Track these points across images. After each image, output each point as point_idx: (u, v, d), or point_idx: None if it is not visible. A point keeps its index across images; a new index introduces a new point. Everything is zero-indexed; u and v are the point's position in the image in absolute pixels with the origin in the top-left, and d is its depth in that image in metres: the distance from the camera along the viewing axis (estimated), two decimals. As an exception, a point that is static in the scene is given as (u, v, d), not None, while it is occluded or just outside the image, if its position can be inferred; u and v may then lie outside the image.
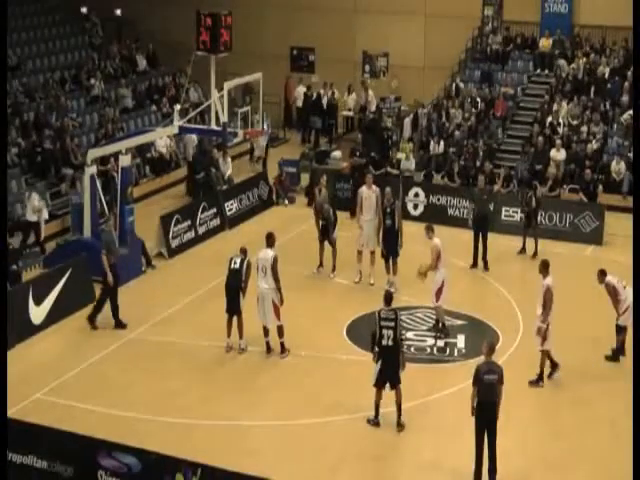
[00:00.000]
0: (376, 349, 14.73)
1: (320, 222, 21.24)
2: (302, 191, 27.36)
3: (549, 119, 28.36)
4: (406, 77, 31.78)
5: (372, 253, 20.65)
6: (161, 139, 27.10)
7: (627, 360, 16.82)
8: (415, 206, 25.36)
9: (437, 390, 16.24)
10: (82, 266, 19.53)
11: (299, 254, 21.73)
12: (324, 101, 32.99)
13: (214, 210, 24.38)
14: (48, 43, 32.19)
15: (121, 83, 31.09)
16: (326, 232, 21.19)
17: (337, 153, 28.92)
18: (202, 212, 23.93)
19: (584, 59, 29.96)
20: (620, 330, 17.04)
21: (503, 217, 24.22)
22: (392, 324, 14.63)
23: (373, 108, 31.42)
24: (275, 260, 17.03)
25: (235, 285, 17.30)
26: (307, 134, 33.17)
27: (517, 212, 23.77)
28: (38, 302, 18.40)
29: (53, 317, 18.63)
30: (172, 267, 22.11)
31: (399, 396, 14.81)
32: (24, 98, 28.21)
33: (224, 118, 21.65)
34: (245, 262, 17.41)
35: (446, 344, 18.03)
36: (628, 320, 16.70)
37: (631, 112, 27.15)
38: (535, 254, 22.19)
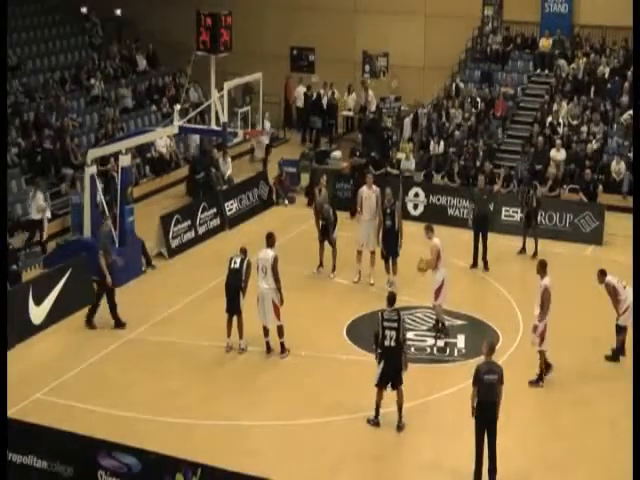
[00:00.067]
0: (378, 350, 14.71)
1: (320, 222, 21.23)
2: (302, 191, 27.35)
3: (549, 119, 28.34)
4: (406, 77, 31.76)
5: (372, 253, 20.64)
6: (161, 139, 27.09)
7: (627, 360, 16.81)
8: (415, 206, 25.35)
9: (437, 390, 16.23)
10: (82, 266, 19.50)
11: (299, 254, 21.72)
12: (324, 101, 32.97)
13: (214, 210, 24.37)
14: (48, 43, 32.19)
15: (121, 83, 31.10)
16: (326, 232, 21.19)
17: (337, 153, 28.92)
18: (202, 212, 23.92)
19: (584, 59, 29.94)
20: (620, 330, 17.04)
21: (503, 217, 24.21)
22: (395, 325, 14.60)
23: (373, 108, 31.40)
24: (275, 260, 17.02)
25: (235, 285, 17.29)
26: (307, 134, 33.16)
27: (517, 212, 23.75)
28: (38, 302, 18.39)
29: (53, 317, 18.62)
30: (172, 267, 22.11)
31: (401, 397, 14.79)
32: (24, 98, 28.21)
33: (224, 118, 21.65)
34: (245, 262, 17.40)
35: (446, 344, 18.03)
36: (628, 320, 16.70)
37: (631, 112, 27.13)
38: (535, 254, 22.16)
